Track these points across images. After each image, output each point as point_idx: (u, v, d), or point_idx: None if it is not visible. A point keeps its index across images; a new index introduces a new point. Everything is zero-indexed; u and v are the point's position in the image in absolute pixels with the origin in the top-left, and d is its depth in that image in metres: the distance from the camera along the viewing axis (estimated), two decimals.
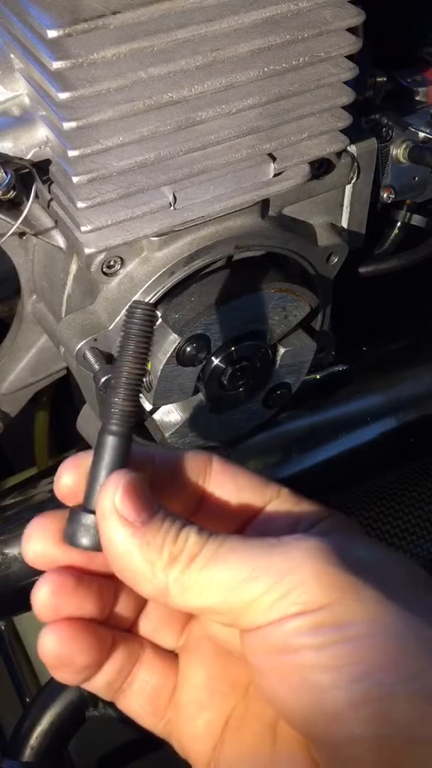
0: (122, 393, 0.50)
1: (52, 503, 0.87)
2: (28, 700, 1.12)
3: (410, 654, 0.43)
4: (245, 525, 0.53)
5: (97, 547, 0.49)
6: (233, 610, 0.46)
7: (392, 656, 0.43)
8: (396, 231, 0.99)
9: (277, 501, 0.52)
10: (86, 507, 0.49)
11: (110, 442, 0.49)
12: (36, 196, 0.70)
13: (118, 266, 0.75)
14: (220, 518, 0.52)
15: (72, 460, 0.52)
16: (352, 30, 0.73)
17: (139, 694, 0.54)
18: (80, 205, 0.67)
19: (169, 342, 0.76)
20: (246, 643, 0.47)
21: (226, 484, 0.52)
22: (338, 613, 0.44)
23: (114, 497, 0.47)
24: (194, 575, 0.46)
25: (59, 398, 1.20)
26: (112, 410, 0.50)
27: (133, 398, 0.50)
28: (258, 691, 0.50)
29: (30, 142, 0.69)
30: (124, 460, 0.50)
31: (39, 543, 0.51)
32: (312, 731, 0.45)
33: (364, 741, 0.42)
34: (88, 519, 0.49)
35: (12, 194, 0.67)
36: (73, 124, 0.64)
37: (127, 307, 0.69)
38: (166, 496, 0.51)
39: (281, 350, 0.84)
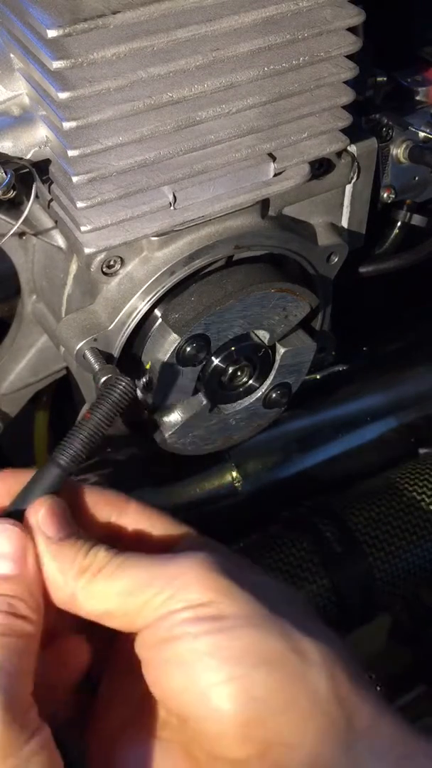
0: (83, 439, 0.57)
1: None
2: None
3: (271, 642, 0.52)
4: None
5: None
6: (129, 613, 0.53)
7: (256, 644, 0.51)
8: (396, 231, 0.99)
9: (185, 539, 0.60)
10: (9, 511, 0.58)
11: (53, 471, 0.58)
12: (36, 196, 0.70)
13: (118, 266, 0.75)
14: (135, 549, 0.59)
15: (5, 474, 0.60)
16: (352, 30, 0.73)
17: None
18: (80, 204, 0.67)
19: (169, 342, 0.76)
20: (138, 642, 0.54)
21: (142, 522, 0.60)
22: (215, 609, 0.52)
23: (38, 516, 0.56)
24: (100, 584, 0.54)
25: (59, 398, 1.20)
26: (69, 449, 0.57)
27: (89, 447, 0.57)
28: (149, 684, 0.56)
29: (30, 142, 0.69)
30: (55, 489, 0.58)
31: None
32: (186, 710, 0.52)
33: (229, 715, 0.50)
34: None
35: (12, 194, 0.67)
36: (72, 124, 0.64)
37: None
38: (87, 524, 0.59)
39: (281, 350, 0.84)
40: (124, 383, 0.58)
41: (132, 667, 0.56)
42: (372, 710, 0.52)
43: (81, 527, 0.58)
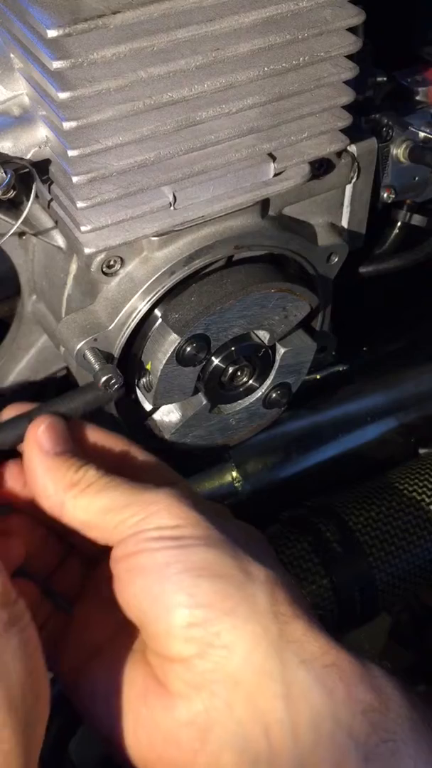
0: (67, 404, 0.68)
1: None
2: None
3: (221, 560, 0.59)
4: None
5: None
6: (107, 528, 0.61)
7: (208, 561, 0.59)
8: (396, 231, 0.99)
9: (168, 477, 0.69)
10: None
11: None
12: (36, 196, 0.70)
13: (118, 266, 0.75)
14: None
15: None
16: (352, 30, 0.73)
17: None
18: (80, 204, 0.67)
19: (169, 342, 0.76)
20: (113, 555, 0.61)
21: (132, 454, 0.69)
22: (179, 532, 0.60)
23: (38, 431, 0.65)
24: (85, 499, 0.62)
25: None
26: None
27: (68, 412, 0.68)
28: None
29: (30, 142, 0.69)
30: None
31: None
32: (143, 614, 0.60)
33: (176, 616, 0.57)
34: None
35: (12, 194, 0.67)
36: (73, 124, 0.64)
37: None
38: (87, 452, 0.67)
39: (281, 350, 0.84)
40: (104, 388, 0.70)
41: (109, 592, 0.62)
42: (304, 626, 0.58)
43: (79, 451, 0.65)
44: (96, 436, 0.69)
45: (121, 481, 0.63)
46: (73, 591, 0.69)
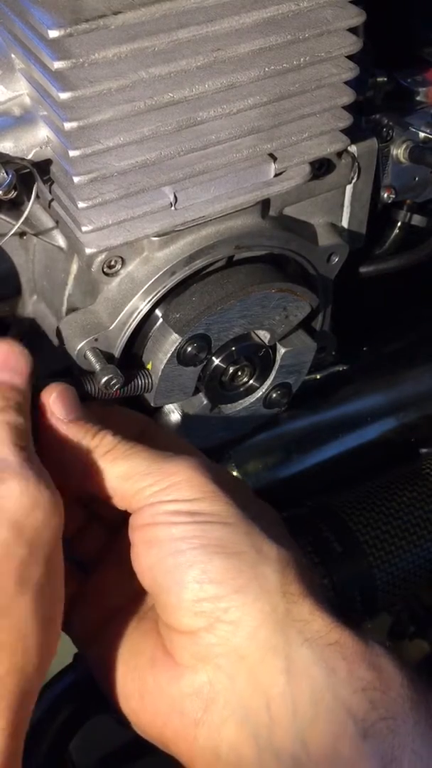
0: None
1: None
2: None
3: (235, 538, 0.60)
4: None
5: None
6: (125, 496, 0.62)
7: (222, 538, 0.60)
8: (396, 231, 0.99)
9: (187, 448, 0.69)
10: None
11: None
12: (37, 196, 0.70)
13: (118, 266, 0.75)
14: None
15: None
16: (352, 30, 0.73)
17: None
18: (81, 205, 0.67)
19: (170, 342, 0.76)
20: (130, 523, 0.62)
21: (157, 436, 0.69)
22: (196, 506, 0.60)
23: (50, 399, 0.64)
24: (103, 465, 0.62)
25: None
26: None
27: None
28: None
29: (31, 142, 0.69)
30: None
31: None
32: (156, 584, 0.60)
33: (187, 589, 0.59)
34: None
35: (13, 194, 0.67)
36: (74, 124, 0.64)
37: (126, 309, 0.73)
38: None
39: (281, 350, 0.84)
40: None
41: (127, 559, 0.63)
42: (311, 606, 0.60)
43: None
44: (114, 411, 0.69)
45: (141, 449, 0.63)
46: (95, 556, 0.70)
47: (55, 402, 0.64)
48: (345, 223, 0.89)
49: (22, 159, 0.68)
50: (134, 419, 0.71)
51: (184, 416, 0.84)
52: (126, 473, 0.62)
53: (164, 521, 0.60)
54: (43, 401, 0.64)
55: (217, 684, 0.59)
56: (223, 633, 0.59)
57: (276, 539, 0.62)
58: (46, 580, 0.55)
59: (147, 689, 0.62)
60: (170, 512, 0.60)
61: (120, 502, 0.63)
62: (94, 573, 0.70)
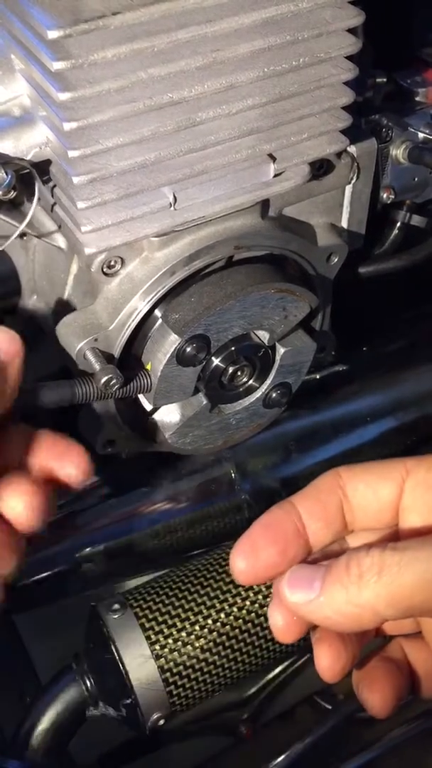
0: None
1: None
2: (28, 700, 1.12)
3: None
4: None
5: None
6: None
7: None
8: (396, 231, 0.99)
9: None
10: None
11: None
12: (38, 198, 0.70)
13: (118, 266, 0.75)
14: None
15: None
16: (351, 31, 0.74)
17: None
18: (80, 205, 0.67)
19: (170, 342, 0.76)
20: None
21: (360, 488, 0.63)
22: None
23: (284, 591, 0.55)
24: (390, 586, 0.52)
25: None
26: None
27: None
28: None
29: (30, 143, 0.69)
30: None
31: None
32: None
33: None
34: None
35: (13, 195, 0.67)
36: (73, 125, 0.64)
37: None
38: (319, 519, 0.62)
39: (281, 350, 0.84)
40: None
41: None
42: None
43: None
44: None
45: (412, 543, 0.54)
46: None
47: (290, 591, 0.55)
48: (344, 224, 0.89)
49: (22, 159, 0.68)
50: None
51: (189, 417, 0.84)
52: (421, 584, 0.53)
53: None
54: (281, 594, 0.56)
55: None
56: None
57: None
58: None
59: None
60: None
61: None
62: None
